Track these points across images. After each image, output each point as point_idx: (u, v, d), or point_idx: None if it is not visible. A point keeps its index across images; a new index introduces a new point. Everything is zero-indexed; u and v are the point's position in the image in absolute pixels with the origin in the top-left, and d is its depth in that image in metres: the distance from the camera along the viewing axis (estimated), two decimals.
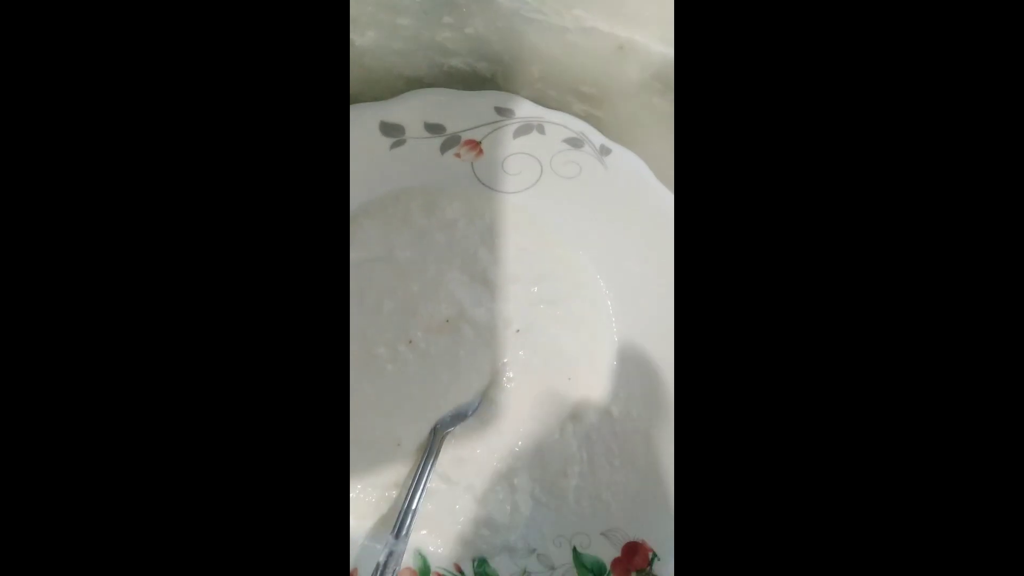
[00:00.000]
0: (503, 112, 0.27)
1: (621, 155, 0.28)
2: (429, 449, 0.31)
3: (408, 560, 0.31)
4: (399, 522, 0.29)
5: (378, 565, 0.29)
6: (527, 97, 0.30)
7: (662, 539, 0.31)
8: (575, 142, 0.28)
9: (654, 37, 0.30)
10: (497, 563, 0.32)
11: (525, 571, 0.31)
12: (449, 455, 0.32)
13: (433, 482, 0.31)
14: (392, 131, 0.26)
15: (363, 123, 0.26)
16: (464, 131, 0.27)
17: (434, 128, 0.27)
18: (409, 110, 0.26)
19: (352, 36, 0.28)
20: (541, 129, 0.27)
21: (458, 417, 0.31)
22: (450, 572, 0.31)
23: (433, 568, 0.31)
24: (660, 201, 0.29)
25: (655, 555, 0.31)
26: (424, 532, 0.31)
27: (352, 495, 0.31)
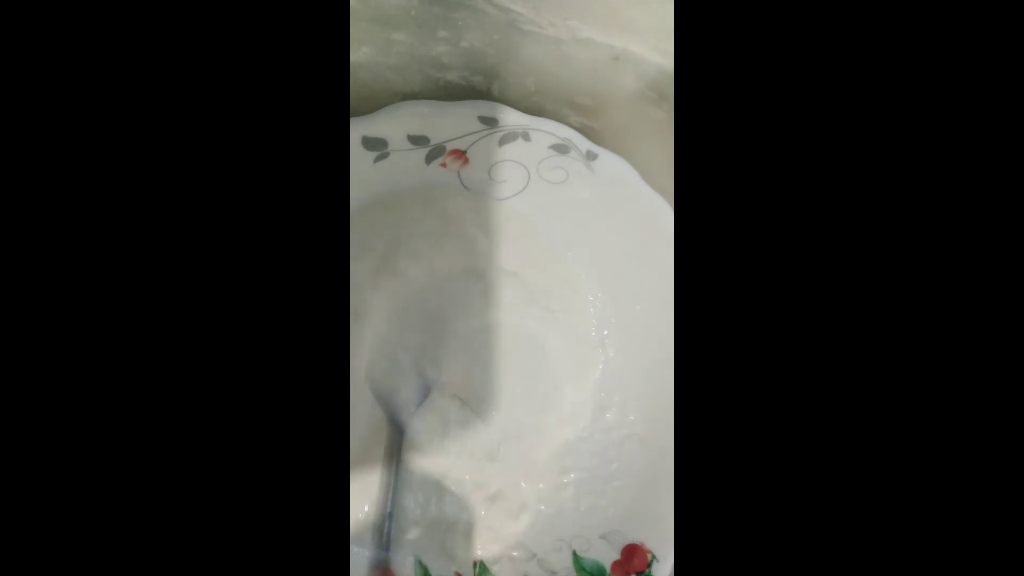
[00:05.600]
0: (487, 121, 0.26)
1: (608, 159, 0.28)
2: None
3: (407, 569, 0.31)
4: (382, 530, 0.29)
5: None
6: (523, 110, 0.30)
7: (660, 541, 0.31)
8: (561, 148, 0.28)
9: (650, 47, 0.30)
10: (498, 569, 0.32)
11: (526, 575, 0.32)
12: (445, 463, 0.32)
13: (430, 490, 0.31)
14: (375, 145, 0.26)
15: None
16: (448, 141, 0.27)
17: (418, 140, 0.27)
18: (391, 124, 0.25)
19: None
20: (527, 136, 0.27)
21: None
22: None
23: None
24: (648, 203, 0.29)
25: (654, 557, 0.31)
26: (423, 541, 0.32)
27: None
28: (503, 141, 0.27)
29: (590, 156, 0.28)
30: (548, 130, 0.27)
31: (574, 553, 0.32)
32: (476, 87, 0.29)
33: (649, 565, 0.31)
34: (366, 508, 0.31)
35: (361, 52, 0.28)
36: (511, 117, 0.26)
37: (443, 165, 0.28)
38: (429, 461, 0.32)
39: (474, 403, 0.32)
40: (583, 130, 0.31)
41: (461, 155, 0.28)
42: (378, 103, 0.28)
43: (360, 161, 0.26)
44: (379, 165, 0.27)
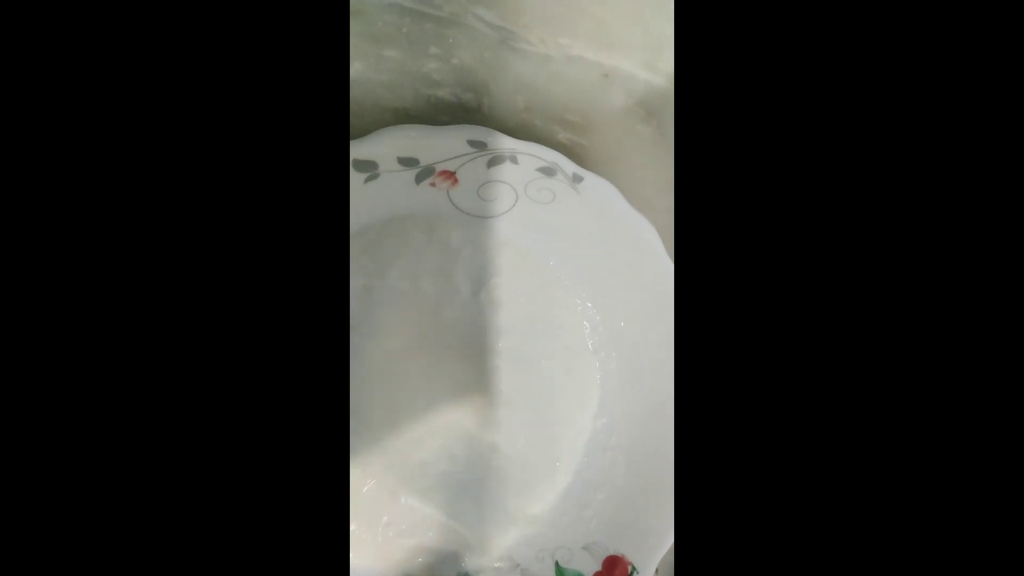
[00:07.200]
0: (475, 145, 0.27)
1: (593, 182, 0.28)
2: None
3: None
4: None
5: None
6: (513, 127, 0.30)
7: (641, 553, 0.32)
8: (548, 171, 0.28)
9: (639, 64, 0.30)
10: None
11: None
12: (433, 477, 0.32)
13: (417, 502, 0.32)
14: (365, 167, 0.27)
15: None
16: (438, 163, 0.28)
17: (407, 161, 0.27)
18: (381, 147, 0.26)
19: None
20: (514, 159, 0.28)
21: None
22: None
23: None
24: (634, 225, 0.29)
25: (634, 568, 0.32)
26: (409, 551, 0.32)
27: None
28: (492, 163, 0.28)
29: (576, 179, 0.28)
30: (535, 154, 0.27)
31: (556, 564, 0.32)
32: (466, 104, 0.30)
33: None
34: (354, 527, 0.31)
35: (353, 68, 0.28)
36: (499, 141, 0.27)
37: (432, 185, 0.29)
38: (419, 480, 0.32)
39: (466, 424, 0.32)
40: (572, 147, 0.31)
41: (450, 176, 0.28)
42: (369, 120, 0.29)
43: (351, 181, 0.27)
44: (369, 185, 0.27)
